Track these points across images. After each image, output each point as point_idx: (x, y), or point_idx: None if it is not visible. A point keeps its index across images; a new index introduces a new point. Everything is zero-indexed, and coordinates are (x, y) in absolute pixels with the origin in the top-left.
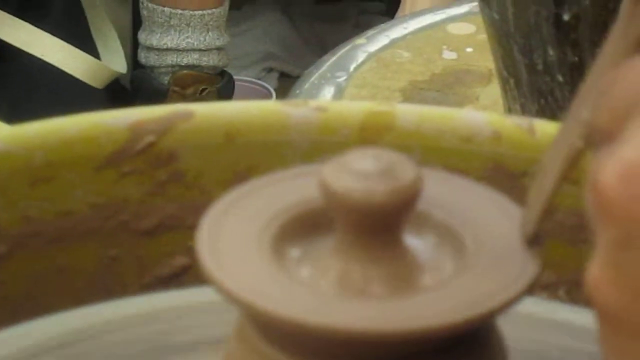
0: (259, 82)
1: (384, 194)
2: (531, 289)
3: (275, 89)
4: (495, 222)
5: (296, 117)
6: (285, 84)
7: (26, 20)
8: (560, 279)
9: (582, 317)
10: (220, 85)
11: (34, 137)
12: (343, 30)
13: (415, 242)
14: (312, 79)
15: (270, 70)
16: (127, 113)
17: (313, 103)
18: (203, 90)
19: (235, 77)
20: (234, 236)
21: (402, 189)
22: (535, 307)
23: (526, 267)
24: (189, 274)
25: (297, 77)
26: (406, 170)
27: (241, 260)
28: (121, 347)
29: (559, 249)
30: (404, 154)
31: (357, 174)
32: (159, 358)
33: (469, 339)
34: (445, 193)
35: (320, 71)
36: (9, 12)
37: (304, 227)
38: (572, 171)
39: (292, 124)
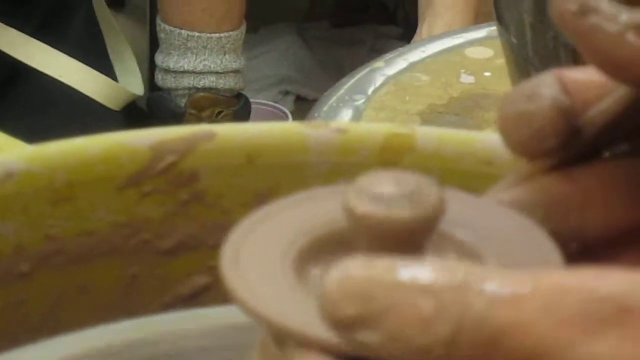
0: (276, 104)
1: (407, 218)
2: None
3: (291, 112)
4: (517, 243)
5: (317, 138)
6: (302, 107)
7: (44, 42)
8: None
9: None
10: (236, 107)
11: (56, 156)
12: (359, 55)
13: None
14: (331, 101)
15: (286, 93)
16: (148, 133)
17: (333, 124)
18: (219, 112)
19: (251, 99)
20: (257, 256)
21: (425, 213)
22: None
23: None
24: (209, 293)
25: (313, 100)
26: (430, 192)
27: (265, 280)
28: None
29: None
30: (426, 176)
31: (380, 197)
32: None
33: None
34: (467, 213)
35: (338, 94)
36: (27, 33)
37: (326, 247)
38: None
39: (313, 145)
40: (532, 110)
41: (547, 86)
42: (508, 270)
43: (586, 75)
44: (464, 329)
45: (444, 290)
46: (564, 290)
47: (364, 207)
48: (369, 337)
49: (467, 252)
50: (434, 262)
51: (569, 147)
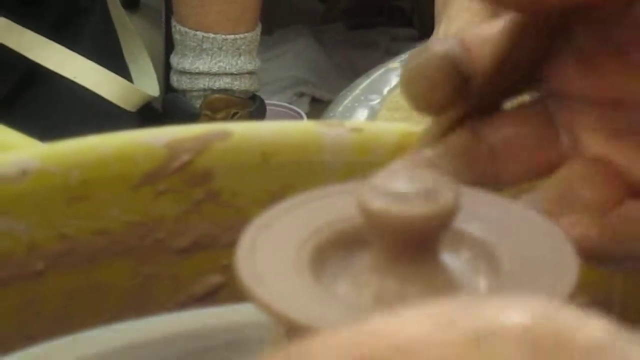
0: (291, 106)
1: (422, 215)
2: None
3: (306, 114)
4: (530, 240)
5: (332, 137)
6: (317, 109)
7: (59, 43)
8: (592, 301)
9: None
10: (251, 109)
11: (71, 155)
12: (374, 57)
13: (450, 260)
14: (346, 102)
15: (301, 95)
16: (164, 132)
17: (348, 124)
18: (235, 114)
19: (266, 101)
20: (272, 253)
21: (440, 210)
22: None
23: (560, 286)
24: (223, 292)
25: (328, 102)
26: (444, 190)
27: (280, 277)
28: None
29: (590, 271)
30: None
31: (395, 194)
32: None
33: None
34: (482, 210)
35: (353, 94)
36: (42, 35)
37: (341, 244)
38: None
39: (328, 145)
40: (425, 62)
41: (441, 41)
42: None
43: (487, 30)
44: None
45: None
46: None
47: (378, 203)
48: None
49: (481, 249)
50: None
51: (465, 97)
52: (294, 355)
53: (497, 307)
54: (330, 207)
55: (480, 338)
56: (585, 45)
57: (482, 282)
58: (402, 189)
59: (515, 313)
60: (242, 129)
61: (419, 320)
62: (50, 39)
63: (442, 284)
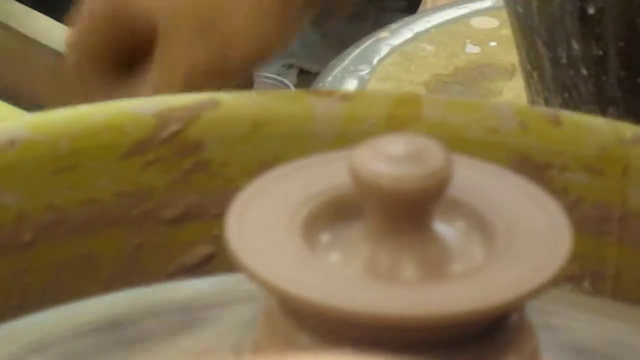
0: (279, 78)
1: (413, 179)
2: (557, 279)
3: (294, 86)
4: (524, 209)
5: (322, 106)
6: (305, 81)
7: (46, 14)
8: (585, 271)
9: (607, 309)
10: (238, 81)
11: (59, 124)
12: (363, 28)
13: (445, 229)
14: (335, 72)
15: (289, 67)
16: (153, 101)
17: (339, 93)
18: (221, 86)
19: (254, 73)
20: (263, 222)
21: (432, 175)
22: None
23: (554, 255)
24: (213, 262)
25: (317, 73)
26: (436, 156)
27: (271, 247)
28: (145, 334)
29: (584, 241)
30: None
31: (387, 159)
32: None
33: (499, 327)
34: (476, 180)
35: (343, 64)
36: (27, 5)
37: (333, 212)
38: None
39: (318, 114)
40: None
41: None
42: None
43: None
44: None
45: None
46: None
47: (371, 170)
48: None
49: (476, 219)
50: None
51: None
52: None
53: None
54: (321, 175)
55: None
56: None
57: (477, 252)
58: (394, 154)
59: None
60: (232, 99)
61: None
62: (36, 9)
63: (435, 253)
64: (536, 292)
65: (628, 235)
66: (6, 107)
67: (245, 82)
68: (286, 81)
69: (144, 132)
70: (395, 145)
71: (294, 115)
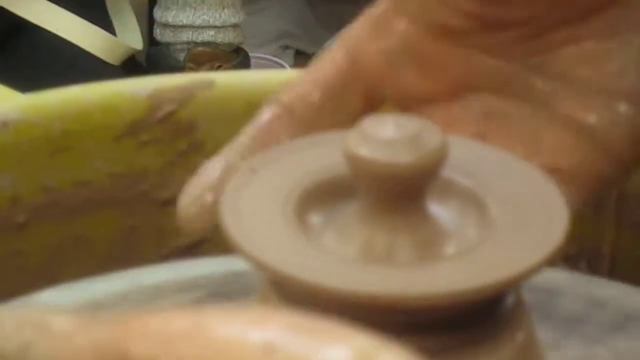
0: (275, 59)
1: (408, 161)
2: (554, 259)
3: (291, 67)
4: (519, 188)
5: None
6: (301, 62)
7: None
8: (582, 251)
9: (603, 289)
10: (235, 62)
11: (53, 106)
12: (359, 9)
13: (439, 209)
14: None
15: (286, 48)
16: (147, 82)
17: None
18: (219, 67)
19: (251, 54)
20: (257, 203)
21: (427, 156)
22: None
23: (550, 234)
24: (208, 244)
25: (313, 55)
26: (431, 136)
27: (265, 227)
28: None
29: (581, 221)
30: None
31: (382, 141)
32: None
33: (495, 308)
34: (470, 159)
35: None
36: None
37: (327, 193)
38: None
39: None
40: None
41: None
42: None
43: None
44: None
45: (17, 355)
46: (110, 350)
47: (365, 151)
48: None
49: (470, 199)
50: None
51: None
52: None
53: (321, 340)
54: (316, 155)
55: None
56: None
57: (471, 231)
58: (389, 136)
59: (336, 350)
60: (226, 79)
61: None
62: None
63: (430, 233)
64: (531, 272)
65: (625, 216)
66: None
67: (242, 64)
68: (283, 62)
69: (137, 113)
70: (389, 126)
71: None
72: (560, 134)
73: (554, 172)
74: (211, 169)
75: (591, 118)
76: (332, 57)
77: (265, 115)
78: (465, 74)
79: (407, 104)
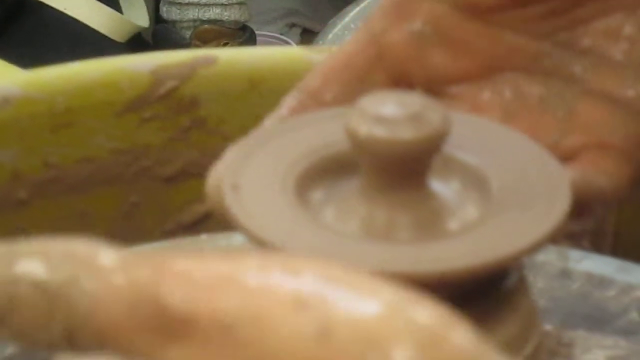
0: (282, 37)
1: (409, 138)
2: (556, 236)
3: (297, 45)
4: (521, 165)
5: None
6: (308, 40)
7: None
8: (585, 228)
9: (605, 267)
10: (242, 40)
11: (54, 82)
12: None
13: (440, 186)
14: (336, 30)
15: (292, 26)
16: (149, 58)
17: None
18: (225, 44)
19: (257, 32)
20: (258, 179)
21: (428, 134)
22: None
23: (551, 212)
24: (210, 220)
25: (319, 33)
26: (433, 114)
27: (265, 203)
28: None
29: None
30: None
31: (383, 119)
32: None
33: (497, 285)
34: (471, 135)
35: (343, 22)
36: None
37: (327, 170)
38: None
39: None
40: None
41: None
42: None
43: None
44: (74, 328)
45: (61, 287)
46: (146, 294)
47: (366, 129)
48: (1, 332)
49: (472, 176)
50: (48, 254)
51: None
52: None
53: (352, 294)
54: (317, 132)
55: (328, 329)
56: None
57: (473, 208)
58: (390, 113)
59: (367, 304)
60: (229, 55)
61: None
62: None
63: (431, 211)
64: (532, 249)
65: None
66: (1, 64)
67: (248, 42)
68: (289, 40)
69: (139, 89)
70: (391, 103)
71: (291, 71)
72: (595, 110)
73: (601, 147)
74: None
75: (630, 92)
76: (356, 40)
77: (291, 101)
78: (493, 52)
79: (434, 86)
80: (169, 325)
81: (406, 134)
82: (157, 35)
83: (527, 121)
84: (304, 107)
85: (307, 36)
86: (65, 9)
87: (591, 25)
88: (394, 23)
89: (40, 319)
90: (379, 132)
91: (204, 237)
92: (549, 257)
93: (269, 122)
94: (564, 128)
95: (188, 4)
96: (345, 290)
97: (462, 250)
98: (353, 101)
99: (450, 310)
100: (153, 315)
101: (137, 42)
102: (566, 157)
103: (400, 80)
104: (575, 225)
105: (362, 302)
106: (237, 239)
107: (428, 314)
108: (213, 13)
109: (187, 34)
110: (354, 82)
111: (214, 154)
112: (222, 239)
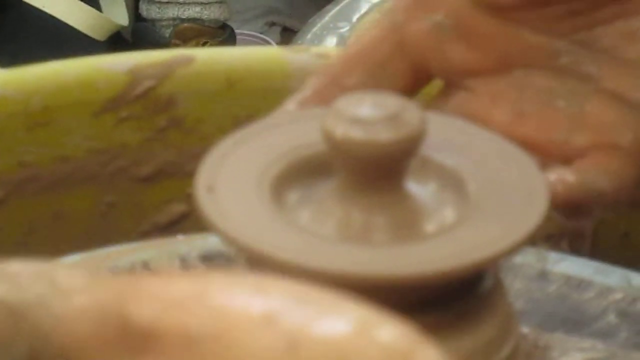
0: (261, 36)
1: (385, 140)
2: (534, 239)
3: (277, 44)
4: (499, 167)
5: (298, 63)
6: (288, 39)
7: None
8: (563, 230)
9: (584, 269)
10: (222, 38)
11: (31, 81)
12: None
13: (417, 188)
14: (315, 29)
15: (272, 24)
16: (126, 57)
17: (315, 49)
18: (205, 43)
19: (237, 31)
20: (233, 181)
21: (404, 135)
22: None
23: (529, 214)
24: (187, 221)
25: (299, 32)
26: (410, 115)
27: (241, 205)
28: None
29: None
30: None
31: (360, 120)
32: None
33: (474, 288)
34: (449, 137)
35: (322, 21)
36: None
37: (303, 171)
38: None
39: (294, 71)
40: None
41: None
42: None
43: None
44: (38, 347)
45: (28, 308)
46: (111, 312)
47: (343, 130)
48: None
49: (449, 177)
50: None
51: None
52: None
53: (321, 311)
54: (293, 133)
55: (297, 342)
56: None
57: (450, 210)
58: (367, 114)
59: (336, 321)
60: (206, 55)
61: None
62: None
63: (408, 213)
64: (510, 252)
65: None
66: None
67: (228, 41)
68: (269, 39)
69: (116, 89)
70: (367, 104)
71: (269, 71)
72: (606, 110)
73: (609, 148)
74: None
75: None
76: (379, 28)
77: (315, 83)
78: (510, 49)
79: (451, 77)
80: (134, 340)
81: (383, 135)
82: (137, 33)
83: (538, 117)
84: (327, 90)
85: (287, 35)
86: (43, 6)
87: (610, 26)
88: (416, 14)
89: (7, 338)
90: (356, 133)
91: (180, 237)
92: (527, 258)
93: (291, 103)
94: (574, 126)
95: (167, 2)
96: (314, 309)
97: (439, 253)
98: (374, 87)
99: (416, 330)
100: (118, 332)
101: (117, 41)
102: (574, 155)
103: (420, 69)
104: (574, 225)
105: (331, 320)
106: (213, 240)
107: (394, 333)
108: (193, 12)
109: (167, 32)
110: (376, 69)
111: (191, 154)
112: (198, 240)
